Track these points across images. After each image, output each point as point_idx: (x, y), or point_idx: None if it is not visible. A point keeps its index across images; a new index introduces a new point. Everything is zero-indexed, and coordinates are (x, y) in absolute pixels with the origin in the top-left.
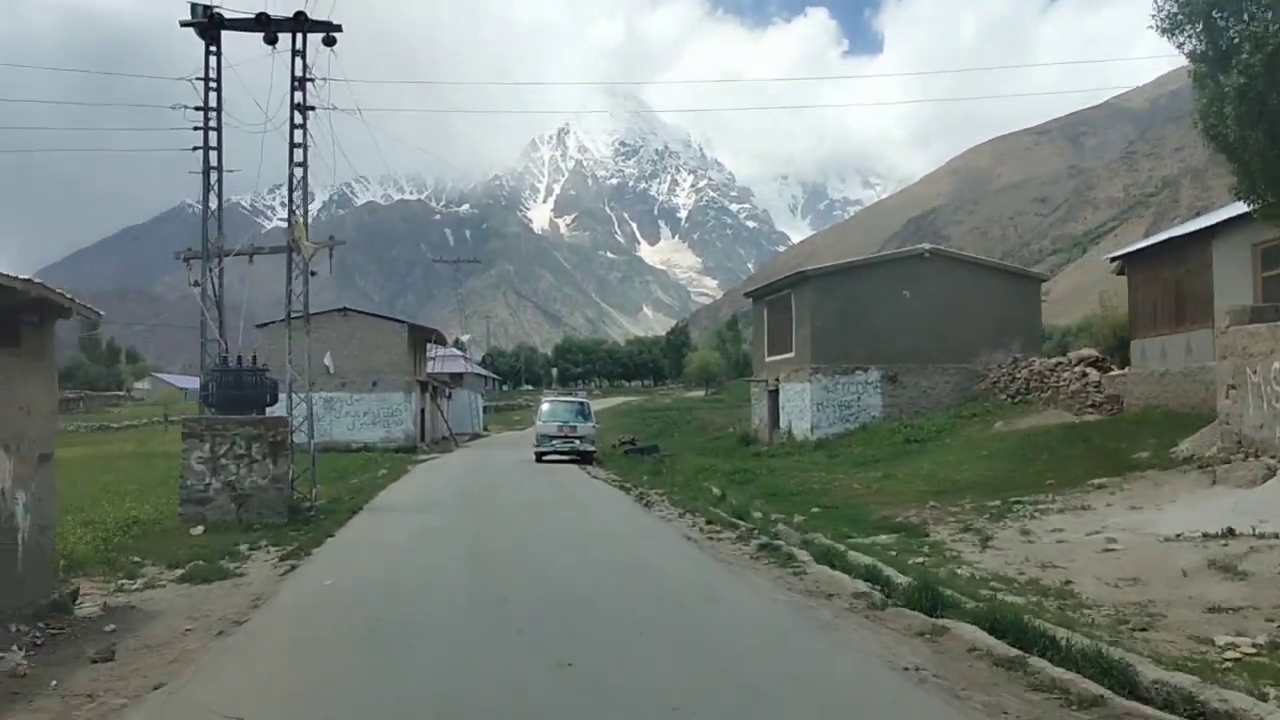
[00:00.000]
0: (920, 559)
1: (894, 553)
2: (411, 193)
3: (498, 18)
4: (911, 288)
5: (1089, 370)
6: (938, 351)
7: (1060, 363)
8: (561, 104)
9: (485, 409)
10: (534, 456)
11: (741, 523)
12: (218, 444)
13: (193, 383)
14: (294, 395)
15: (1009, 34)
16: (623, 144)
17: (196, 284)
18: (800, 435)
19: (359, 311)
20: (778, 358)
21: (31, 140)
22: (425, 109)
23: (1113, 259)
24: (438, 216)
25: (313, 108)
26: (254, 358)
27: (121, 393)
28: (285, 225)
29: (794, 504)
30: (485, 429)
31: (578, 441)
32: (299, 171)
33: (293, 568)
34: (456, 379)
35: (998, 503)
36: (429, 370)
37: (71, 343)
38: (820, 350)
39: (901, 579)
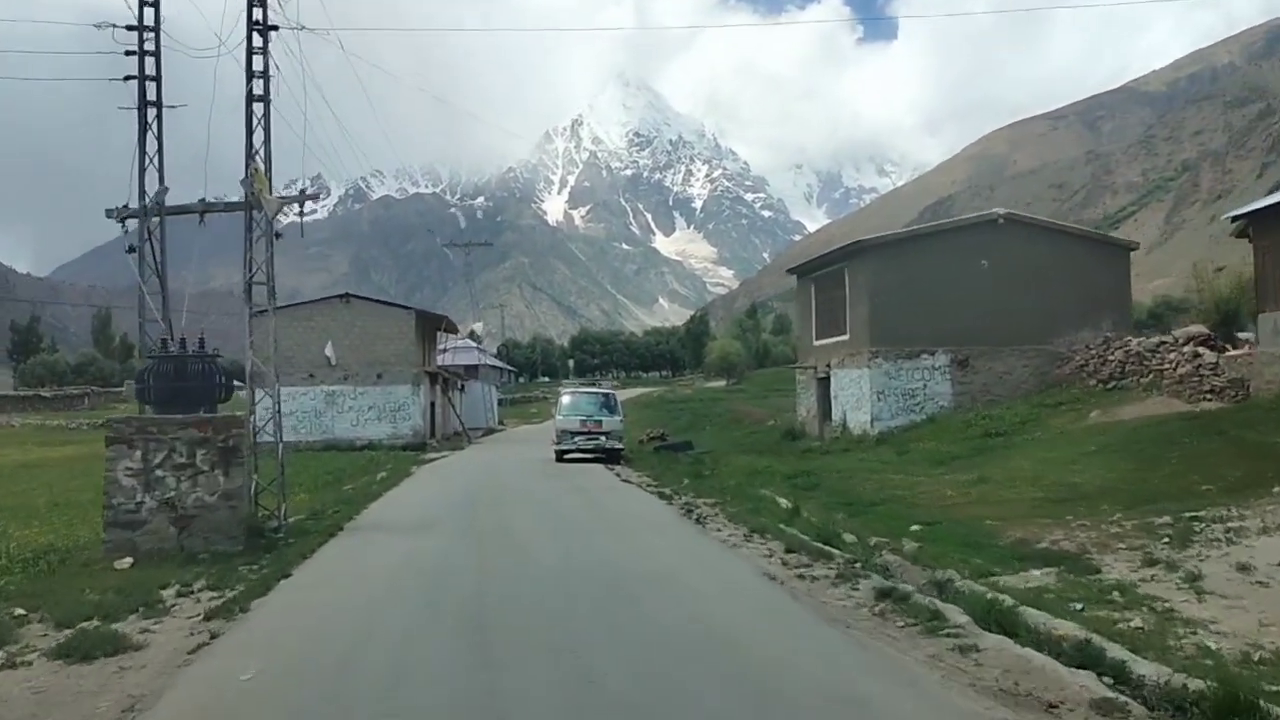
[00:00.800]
0: (1123, 615)
1: (1078, 605)
2: (426, 186)
3: (508, 7)
4: (983, 258)
5: (1201, 350)
6: (1013, 331)
7: (1164, 342)
8: (575, 96)
9: (500, 402)
10: (554, 455)
11: (834, 550)
12: (152, 451)
13: None
14: (259, 389)
15: (1024, 18)
16: (637, 135)
17: (132, 249)
18: (858, 428)
19: (362, 298)
20: (829, 341)
21: (47, 138)
22: (431, 97)
23: (1234, 218)
24: (453, 209)
25: (275, 27)
26: (201, 340)
27: (121, 389)
28: (302, 219)
29: (884, 519)
30: (501, 423)
31: (603, 438)
32: (259, 108)
33: (213, 636)
34: (470, 371)
35: (1166, 519)
36: (439, 361)
37: (85, 338)
38: (880, 331)
39: (1146, 668)
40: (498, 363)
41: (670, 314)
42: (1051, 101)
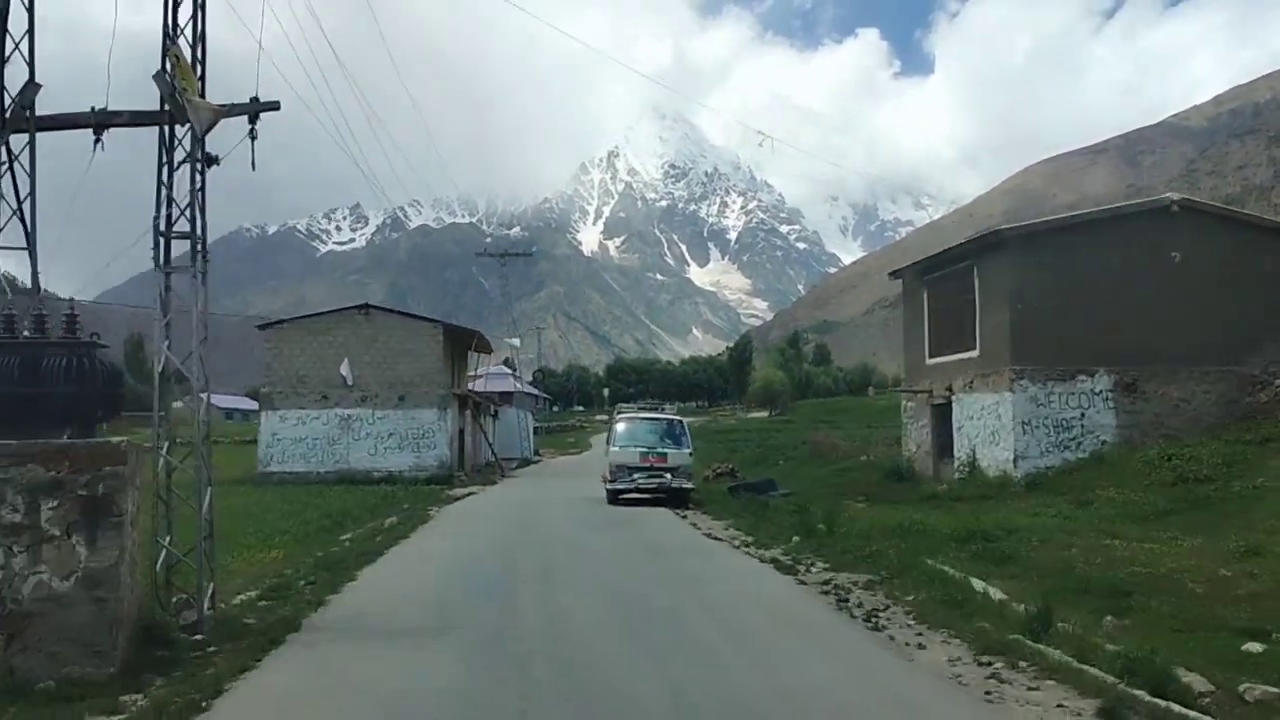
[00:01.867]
0: None
1: None
2: (463, 215)
3: (547, 41)
4: (1153, 256)
5: None
6: (1191, 348)
7: None
8: (611, 127)
9: (536, 431)
10: (606, 495)
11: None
12: None
13: (239, 402)
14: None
15: (1062, 54)
16: (672, 166)
17: None
18: (994, 468)
19: (383, 309)
20: (949, 358)
21: (95, 167)
22: (474, 129)
23: None
24: (489, 239)
25: None
26: (70, 319)
27: (148, 413)
28: (340, 249)
29: (1171, 625)
30: (537, 454)
31: (669, 476)
32: None
33: None
34: (505, 398)
35: None
36: (470, 384)
37: (118, 363)
38: (1024, 346)
39: None
40: (533, 390)
41: (704, 344)
42: (1090, 136)
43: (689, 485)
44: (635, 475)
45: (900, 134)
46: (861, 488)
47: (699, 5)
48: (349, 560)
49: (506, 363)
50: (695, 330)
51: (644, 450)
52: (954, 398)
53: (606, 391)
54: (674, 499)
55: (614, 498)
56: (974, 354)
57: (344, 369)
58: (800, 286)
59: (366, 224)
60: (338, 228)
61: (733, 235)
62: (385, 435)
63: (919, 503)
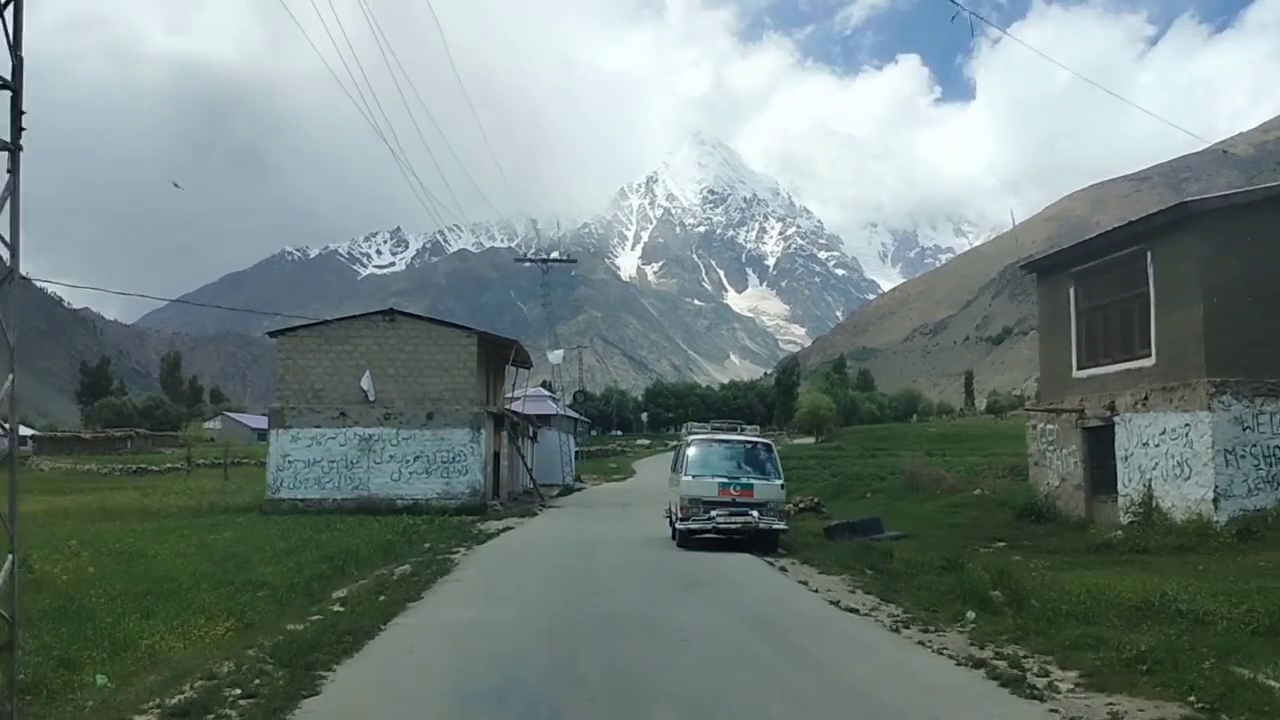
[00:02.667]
0: None
1: None
2: (502, 240)
3: (587, 68)
4: None
5: None
6: None
7: None
8: (650, 153)
9: (576, 455)
10: (673, 535)
11: None
12: None
13: (264, 422)
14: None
15: (1105, 80)
16: (711, 192)
17: None
18: (1182, 509)
19: (411, 315)
20: (1110, 369)
21: (141, 191)
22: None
23: None
24: (527, 264)
25: None
26: None
27: (176, 433)
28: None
29: None
30: (578, 480)
31: (755, 514)
32: None
33: None
34: (543, 421)
35: None
36: (508, 402)
37: (154, 383)
38: (1224, 351)
39: None
40: (572, 413)
41: (741, 370)
42: (1134, 164)
43: (780, 526)
44: (714, 513)
45: (940, 160)
46: (990, 530)
47: (739, 32)
48: (323, 644)
49: (545, 385)
50: (733, 356)
51: (724, 481)
52: (1117, 419)
53: (645, 416)
54: (761, 542)
55: (686, 539)
56: (1148, 362)
57: (365, 382)
58: (838, 313)
59: (407, 248)
60: (378, 251)
61: (771, 261)
62: (410, 458)
63: (1087, 554)
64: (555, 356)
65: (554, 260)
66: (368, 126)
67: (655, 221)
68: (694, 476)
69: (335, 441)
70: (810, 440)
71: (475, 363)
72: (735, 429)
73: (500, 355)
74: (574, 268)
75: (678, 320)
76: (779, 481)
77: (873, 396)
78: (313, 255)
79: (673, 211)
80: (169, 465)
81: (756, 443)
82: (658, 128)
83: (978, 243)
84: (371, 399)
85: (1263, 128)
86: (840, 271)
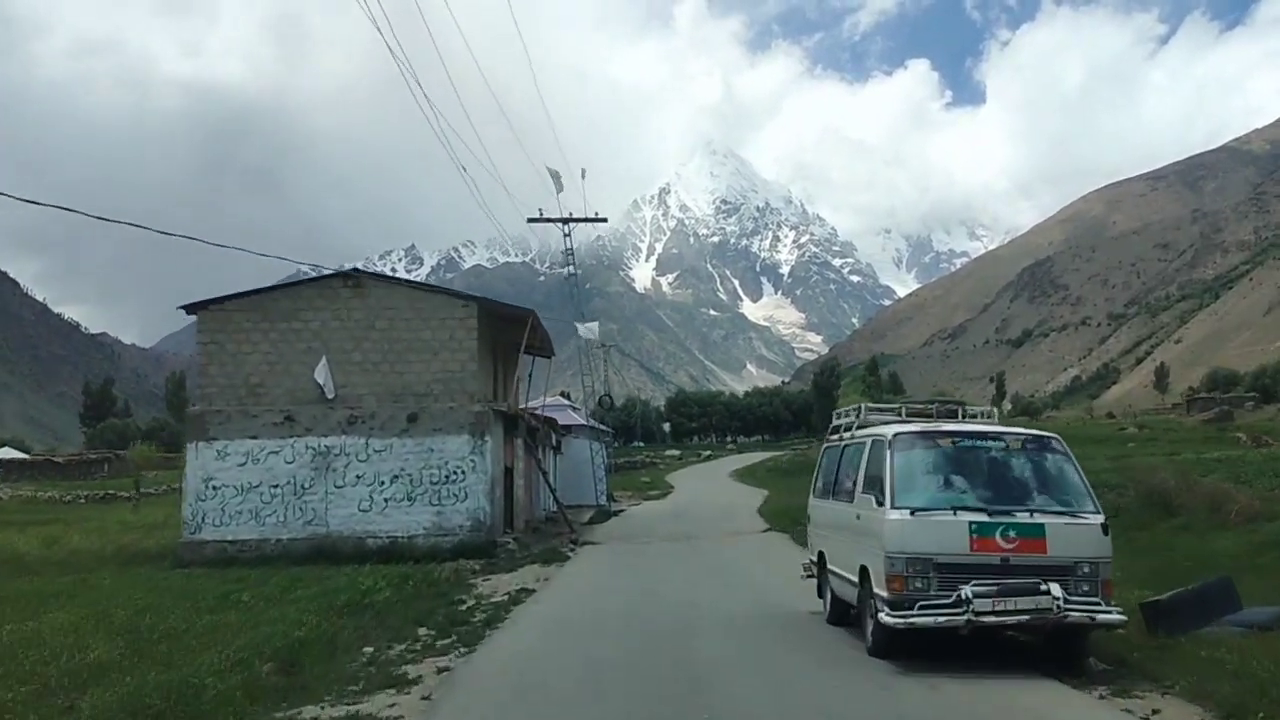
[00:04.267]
0: None
1: None
2: (516, 255)
3: (597, 80)
4: None
5: None
6: None
7: None
8: (662, 164)
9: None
10: (826, 608)
11: None
12: None
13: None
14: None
15: (1116, 80)
16: (724, 202)
17: None
18: None
19: (383, 277)
20: None
21: (156, 215)
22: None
23: None
24: (542, 278)
25: None
26: None
27: (171, 454)
28: None
29: None
30: (612, 499)
31: (1055, 588)
32: None
33: None
34: (568, 431)
35: None
36: (525, 403)
37: (160, 405)
38: None
39: None
40: (595, 424)
41: (758, 379)
42: (1148, 163)
43: (1111, 615)
44: (969, 588)
45: (953, 165)
46: None
47: (748, 41)
48: None
49: (564, 395)
50: (750, 365)
51: (983, 521)
52: None
53: (667, 426)
54: (1063, 648)
55: (892, 643)
56: None
57: (321, 374)
58: (854, 320)
59: (421, 264)
60: (393, 269)
61: (785, 269)
62: (386, 478)
63: None
64: (588, 330)
65: (577, 220)
66: (380, 144)
67: (669, 232)
68: (913, 511)
69: (279, 458)
70: None
71: (476, 343)
72: (964, 413)
73: (511, 337)
74: (589, 281)
75: (694, 331)
76: (1097, 518)
77: (904, 399)
78: (327, 273)
79: (686, 222)
80: (139, 492)
81: (1037, 439)
82: (669, 138)
83: (993, 246)
84: (330, 396)
85: (1278, 123)
86: (855, 278)
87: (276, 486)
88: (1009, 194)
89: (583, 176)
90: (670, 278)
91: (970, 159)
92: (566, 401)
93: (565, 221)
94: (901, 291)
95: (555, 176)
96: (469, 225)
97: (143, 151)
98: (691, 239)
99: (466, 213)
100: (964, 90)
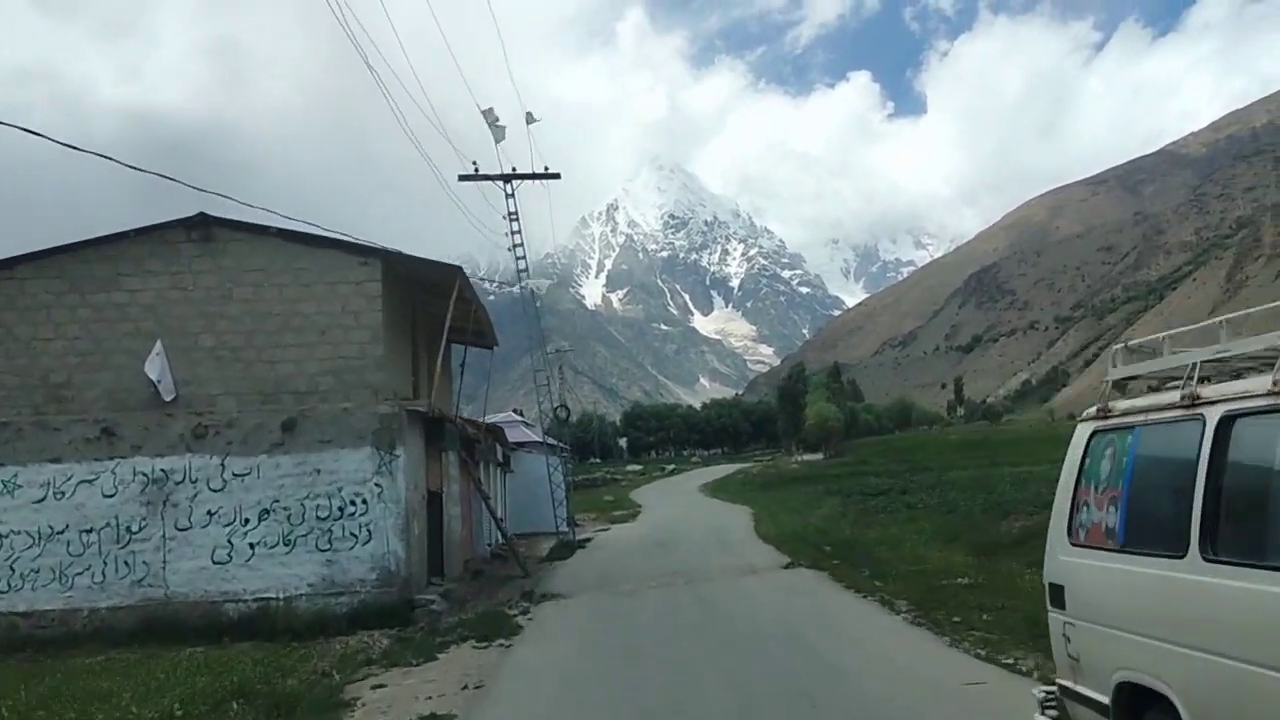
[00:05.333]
0: None
1: None
2: (467, 273)
3: (541, 98)
4: None
5: None
6: None
7: None
8: (610, 180)
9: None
10: None
11: None
12: None
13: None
14: None
15: (1054, 87)
16: (672, 216)
17: None
18: None
19: (245, 225)
20: None
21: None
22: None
23: None
24: (491, 297)
25: None
26: None
27: None
28: None
29: None
30: (574, 525)
31: None
32: None
33: None
34: (518, 447)
35: None
36: (458, 405)
37: None
38: None
39: None
40: (552, 441)
41: (711, 392)
42: (1088, 168)
43: None
44: None
45: (897, 174)
46: None
47: (691, 57)
48: None
49: (517, 412)
50: (703, 379)
51: None
52: None
53: (624, 441)
54: None
55: None
56: None
57: (154, 366)
58: (805, 330)
59: None
60: None
61: (735, 282)
62: (252, 514)
63: None
64: (535, 284)
65: (522, 176)
66: (321, 164)
67: (618, 248)
68: None
69: (94, 489)
70: (818, 456)
71: (382, 317)
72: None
73: (434, 314)
74: (539, 299)
75: (646, 346)
76: None
77: (868, 408)
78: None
79: (635, 238)
80: None
81: None
82: (616, 155)
83: (938, 254)
84: (169, 398)
85: (1213, 126)
86: (804, 289)
87: (90, 532)
88: (953, 202)
89: (529, 123)
90: (621, 294)
91: (914, 168)
92: (519, 417)
93: (507, 179)
94: (850, 301)
95: (493, 121)
96: (418, 245)
97: (81, 178)
98: (641, 254)
99: (416, 233)
100: (905, 101)
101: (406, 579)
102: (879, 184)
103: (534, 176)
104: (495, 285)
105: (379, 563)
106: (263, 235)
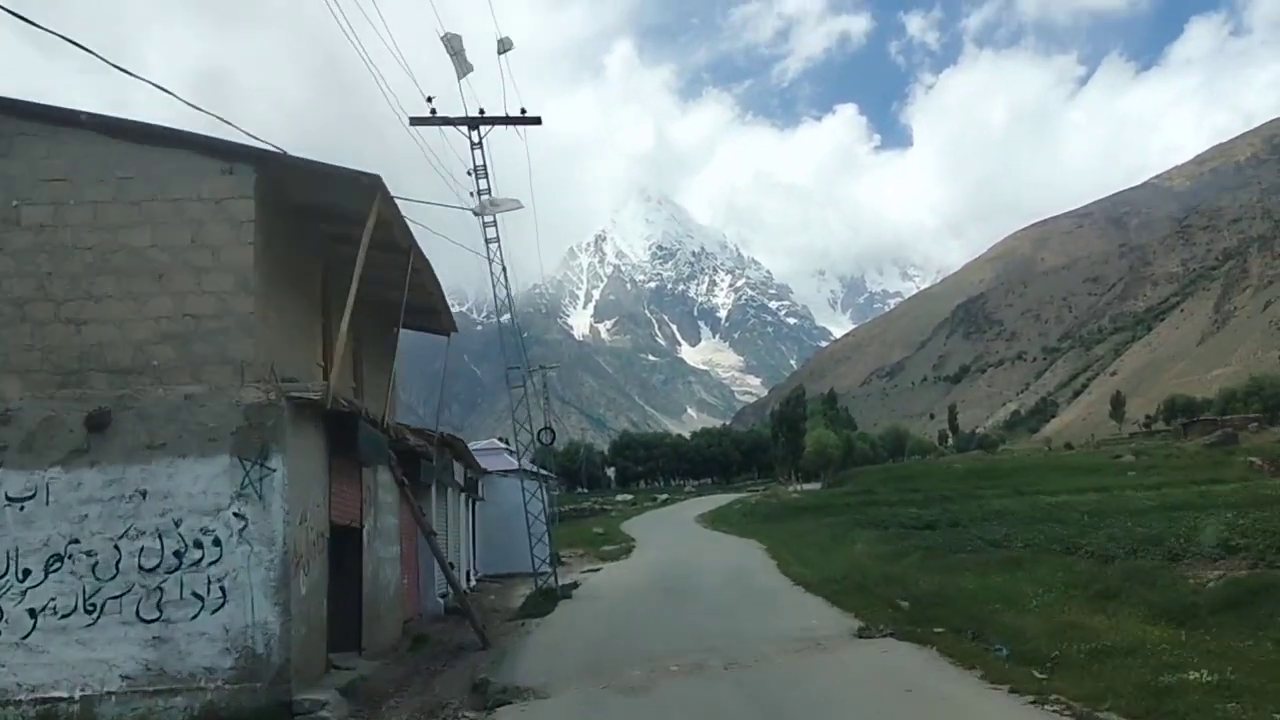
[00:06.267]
0: None
1: None
2: (453, 304)
3: (532, 132)
4: None
5: None
6: None
7: None
8: (597, 211)
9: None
10: None
11: None
12: None
13: None
14: None
15: (1039, 120)
16: (659, 248)
17: None
18: None
19: (42, 112)
20: None
21: None
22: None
23: None
24: (479, 328)
25: None
26: None
27: None
28: None
29: None
30: (559, 561)
31: None
32: None
33: None
34: (487, 473)
35: None
36: (391, 404)
37: None
38: None
39: None
40: (536, 468)
41: (699, 423)
42: (1073, 201)
43: None
44: None
45: (884, 206)
46: None
47: (679, 90)
48: None
49: (501, 440)
50: (690, 409)
51: None
52: None
53: (612, 471)
54: None
55: None
56: None
57: None
58: (793, 361)
59: None
60: None
61: (723, 313)
62: (31, 561)
63: None
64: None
65: (491, 120)
66: None
67: (606, 279)
68: None
69: None
70: (816, 486)
71: (254, 254)
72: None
73: (373, 280)
74: (526, 330)
75: (633, 376)
76: None
77: (862, 436)
78: None
79: (622, 268)
80: None
81: None
82: (604, 186)
83: (925, 285)
84: None
85: (1197, 160)
86: (792, 320)
87: None
88: (939, 233)
89: (501, 51)
90: (608, 324)
91: (900, 200)
92: (501, 444)
93: (474, 124)
94: (838, 332)
95: (455, 50)
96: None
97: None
98: (628, 285)
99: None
100: (891, 133)
101: (283, 667)
102: (865, 215)
103: (508, 121)
104: (483, 315)
105: (238, 641)
106: (70, 127)
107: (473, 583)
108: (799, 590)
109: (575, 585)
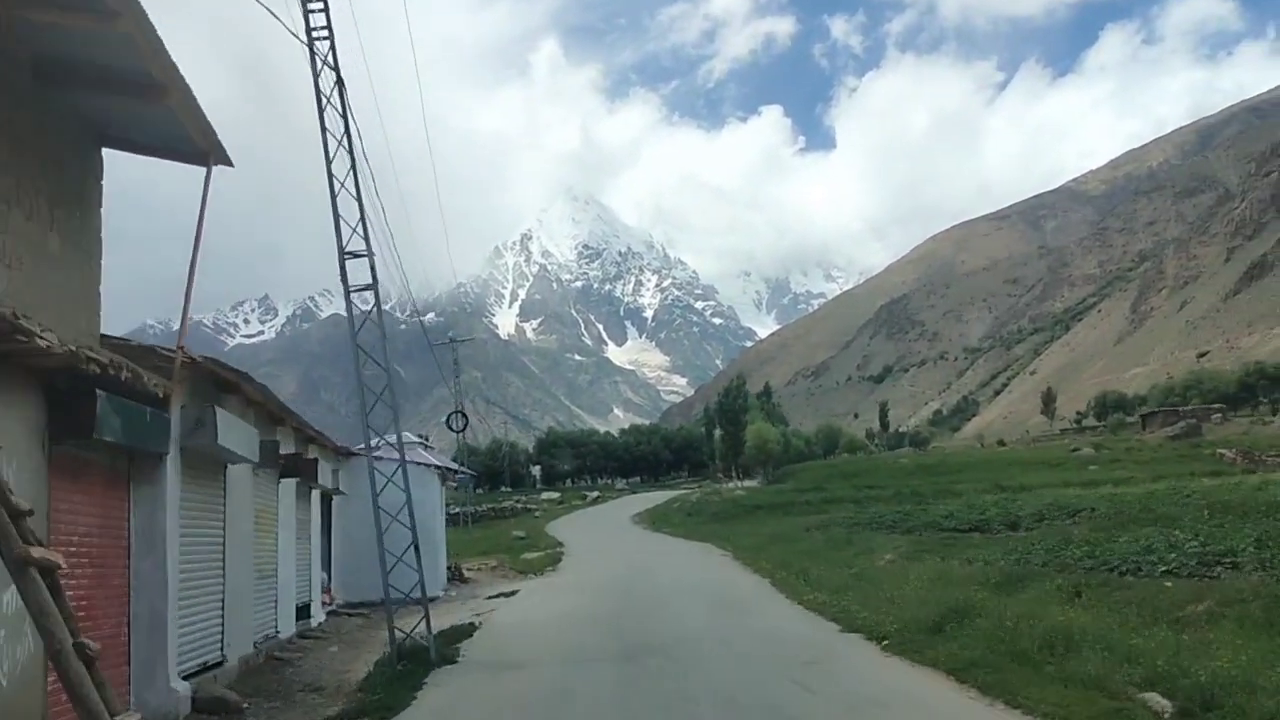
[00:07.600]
0: None
1: None
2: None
3: (455, 130)
4: None
5: None
6: None
7: None
8: (524, 211)
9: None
10: None
11: None
12: None
13: None
14: None
15: (959, 125)
16: (586, 247)
17: None
18: None
19: None
20: None
21: None
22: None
23: None
24: (403, 326)
25: None
26: None
27: None
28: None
29: None
30: (459, 577)
31: None
32: None
33: None
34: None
35: None
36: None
37: None
38: None
39: None
40: (449, 464)
41: (625, 423)
42: (992, 203)
43: None
44: None
45: (808, 208)
46: None
47: (605, 89)
48: None
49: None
50: (616, 409)
51: None
52: None
53: (537, 469)
54: None
55: None
56: None
57: None
58: (718, 361)
59: (276, 315)
60: (245, 320)
61: (649, 313)
62: None
63: None
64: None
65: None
66: (225, 194)
67: (532, 279)
68: None
69: None
70: (755, 483)
71: None
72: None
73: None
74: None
75: (559, 376)
76: None
77: (796, 433)
78: (176, 327)
79: (549, 268)
80: None
81: None
82: (530, 185)
83: (848, 286)
84: None
85: (1111, 164)
86: (718, 320)
87: None
88: (862, 236)
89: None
90: (534, 324)
91: (824, 202)
92: (416, 438)
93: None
94: (763, 332)
95: None
96: (326, 275)
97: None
98: (555, 284)
99: (324, 262)
100: (816, 136)
101: None
102: (790, 217)
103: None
104: (407, 315)
105: None
106: None
107: (322, 616)
108: (872, 649)
109: (472, 628)
